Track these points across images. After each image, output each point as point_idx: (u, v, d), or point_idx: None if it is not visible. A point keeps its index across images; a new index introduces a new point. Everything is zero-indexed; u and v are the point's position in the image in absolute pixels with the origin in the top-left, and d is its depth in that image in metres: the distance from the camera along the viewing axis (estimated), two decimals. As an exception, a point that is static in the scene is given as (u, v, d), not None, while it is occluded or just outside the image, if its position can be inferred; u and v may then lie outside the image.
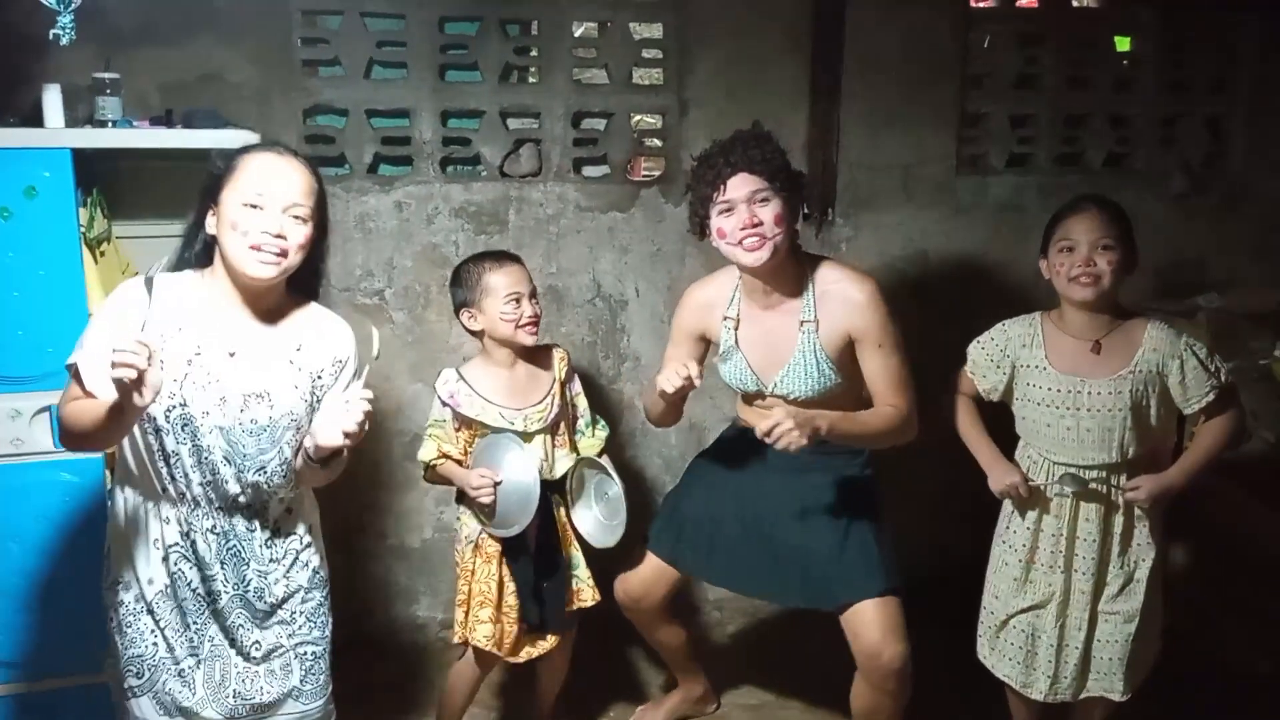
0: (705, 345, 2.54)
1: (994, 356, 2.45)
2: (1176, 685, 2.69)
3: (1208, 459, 2.35)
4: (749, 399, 2.52)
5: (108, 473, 2.29)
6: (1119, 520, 2.35)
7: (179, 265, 1.96)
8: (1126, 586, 2.36)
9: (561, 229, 3.22)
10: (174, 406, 1.85)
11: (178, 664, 1.95)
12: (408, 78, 3.06)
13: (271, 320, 1.96)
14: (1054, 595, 2.38)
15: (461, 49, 3.10)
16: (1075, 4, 3.70)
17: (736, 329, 2.46)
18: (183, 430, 1.86)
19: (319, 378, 1.98)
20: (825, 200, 3.34)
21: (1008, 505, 2.47)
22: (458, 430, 2.52)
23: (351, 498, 3.20)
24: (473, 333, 2.56)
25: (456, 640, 2.55)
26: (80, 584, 2.15)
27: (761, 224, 2.27)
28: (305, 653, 2.05)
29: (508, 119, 3.17)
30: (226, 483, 1.91)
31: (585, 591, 2.63)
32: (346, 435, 1.83)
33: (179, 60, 2.83)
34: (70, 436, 1.85)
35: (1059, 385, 2.34)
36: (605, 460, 2.58)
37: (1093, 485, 2.33)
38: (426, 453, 2.51)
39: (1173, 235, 3.51)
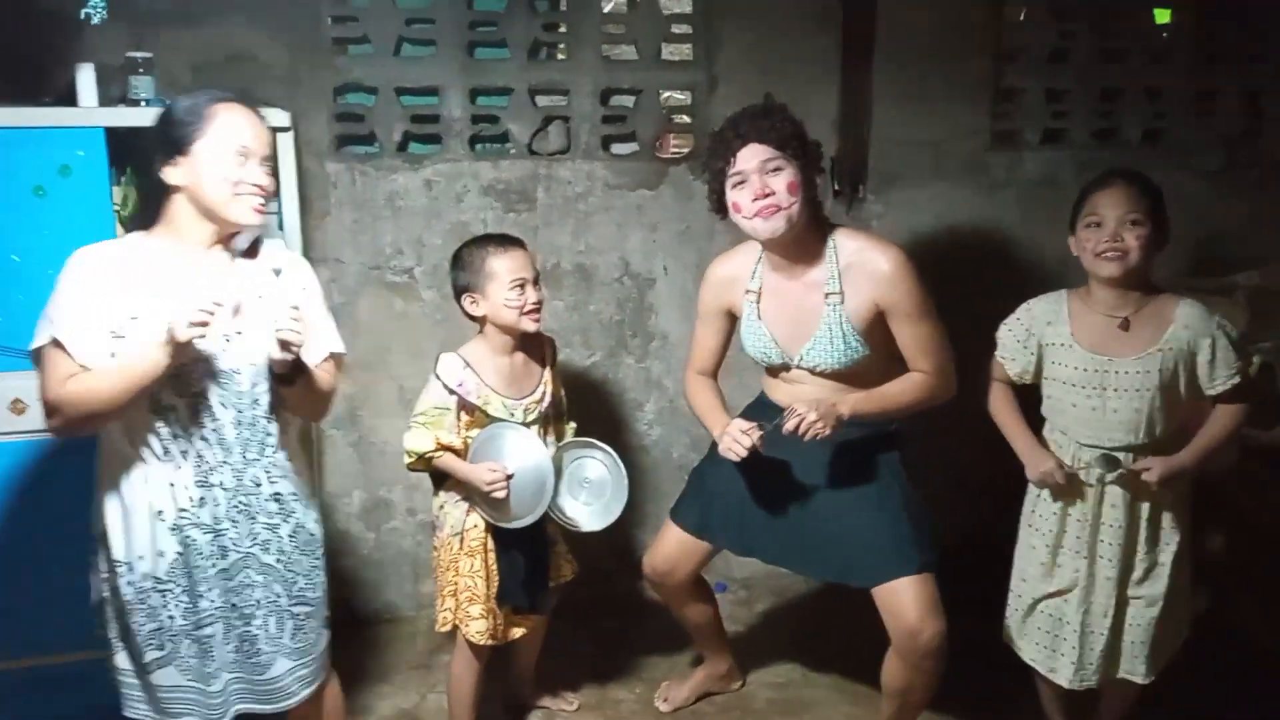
0: (732, 321, 2.53)
1: (1020, 337, 2.41)
2: (1204, 669, 2.68)
3: (1219, 443, 2.31)
4: (774, 372, 2.51)
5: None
6: (1145, 507, 2.32)
7: (144, 224, 1.99)
8: (1151, 571, 2.34)
9: (590, 207, 3.22)
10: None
11: (196, 630, 1.99)
12: (437, 55, 3.06)
13: (233, 263, 2.01)
14: (1079, 581, 2.36)
15: (490, 26, 3.09)
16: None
17: (759, 302, 2.45)
18: (178, 381, 1.90)
19: (294, 305, 1.99)
20: (856, 177, 3.31)
21: (1033, 489, 2.45)
22: (458, 419, 2.44)
23: (380, 475, 3.23)
24: (473, 318, 2.49)
25: (443, 629, 2.53)
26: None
27: (774, 193, 2.26)
28: (298, 612, 2.08)
29: (536, 96, 3.17)
30: (226, 427, 1.95)
31: (565, 567, 2.64)
32: (284, 344, 1.88)
33: (210, 40, 2.85)
34: (74, 419, 1.85)
35: (1085, 363, 2.31)
36: (586, 440, 2.57)
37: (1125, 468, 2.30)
38: (420, 441, 2.39)
39: (1209, 211, 3.46)
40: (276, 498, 2.05)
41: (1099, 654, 2.37)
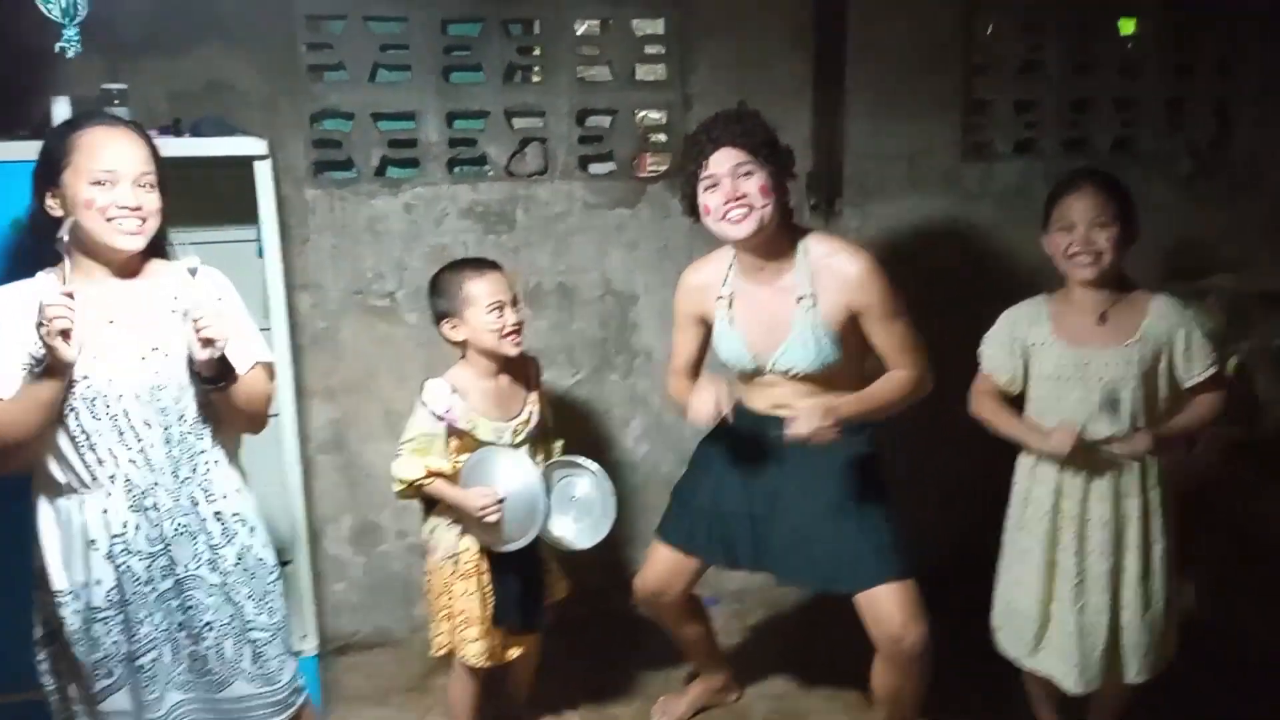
0: (707, 328, 2.54)
1: (1004, 344, 2.45)
2: (1201, 671, 2.70)
3: (1194, 426, 2.37)
4: (747, 378, 2.52)
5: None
6: (1131, 504, 2.34)
7: (45, 257, 1.96)
8: (1142, 572, 2.35)
9: (569, 227, 3.23)
10: (77, 381, 1.87)
11: (138, 657, 1.98)
12: (412, 80, 3.08)
13: (139, 280, 2.00)
14: (1072, 580, 2.38)
15: (465, 50, 3.11)
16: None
17: (731, 307, 2.47)
18: (95, 405, 1.90)
19: (219, 299, 2.02)
20: (832, 191, 3.34)
21: (1019, 494, 2.46)
22: (448, 444, 2.43)
23: (369, 499, 3.23)
24: (454, 343, 2.49)
25: (439, 654, 2.53)
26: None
27: (745, 195, 2.29)
28: (255, 638, 2.07)
29: (513, 118, 3.18)
30: (154, 447, 1.94)
31: (558, 585, 2.64)
32: (207, 341, 1.87)
33: (186, 69, 2.85)
34: None
35: (1067, 358, 2.34)
36: (576, 458, 2.56)
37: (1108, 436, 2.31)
38: (409, 469, 2.39)
39: (1181, 218, 3.51)
40: (218, 516, 2.03)
41: (1099, 655, 2.37)
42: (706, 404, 2.28)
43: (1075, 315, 2.37)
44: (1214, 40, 3.57)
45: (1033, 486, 2.42)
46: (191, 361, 1.94)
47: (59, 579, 1.95)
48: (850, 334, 2.39)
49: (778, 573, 2.61)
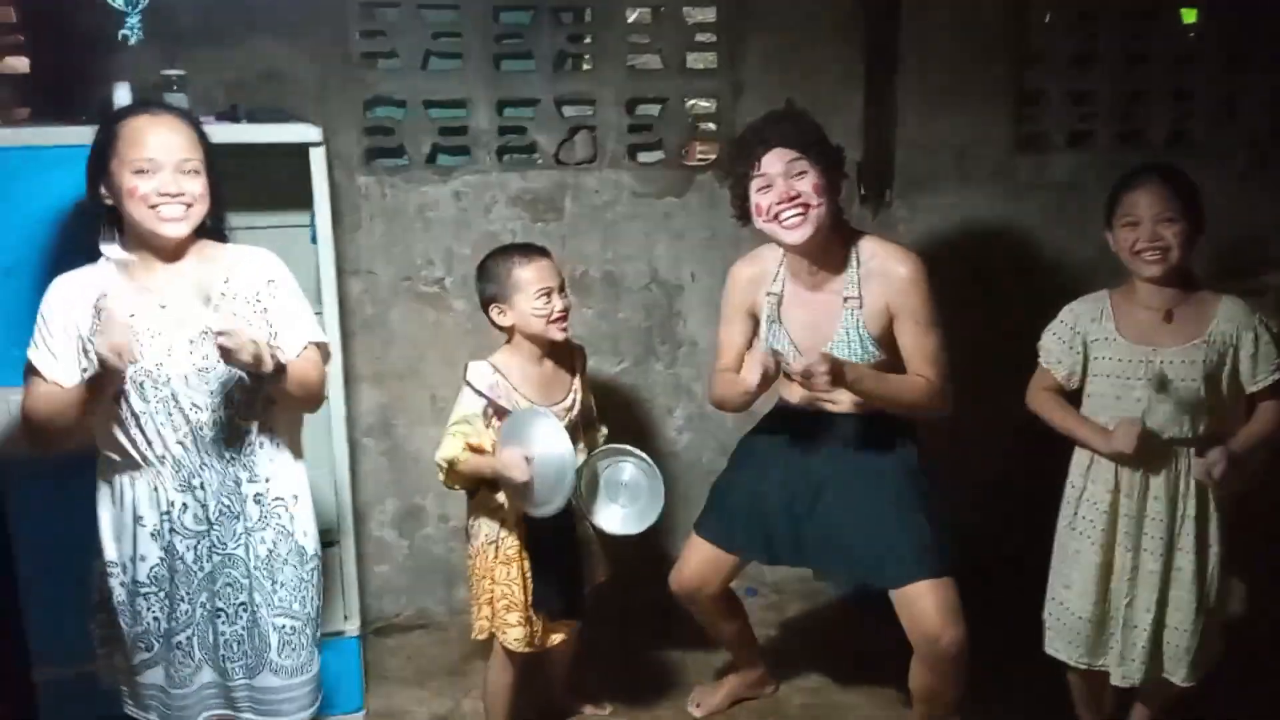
0: (756, 322, 2.54)
1: (1065, 337, 2.40)
2: (1247, 675, 2.66)
3: (1264, 437, 2.30)
4: (789, 376, 2.51)
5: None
6: (1191, 504, 2.30)
7: (108, 239, 2.00)
8: (1195, 573, 2.31)
9: (617, 215, 3.24)
10: (130, 365, 1.90)
11: (176, 634, 2.02)
12: (464, 68, 3.10)
13: (189, 263, 2.02)
14: (1125, 575, 2.35)
15: (516, 38, 3.13)
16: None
17: (780, 306, 2.46)
18: (144, 388, 1.93)
19: (257, 299, 2.03)
20: (882, 181, 3.32)
21: (1073, 494, 2.42)
22: (488, 426, 2.42)
23: (413, 483, 3.27)
24: (500, 328, 2.49)
25: (480, 637, 2.55)
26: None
27: (799, 195, 2.28)
28: (283, 625, 2.09)
29: (563, 107, 3.20)
30: (202, 429, 1.97)
31: (598, 569, 2.64)
32: (225, 354, 1.85)
33: (241, 58, 2.90)
34: (41, 433, 1.94)
35: (1131, 355, 2.29)
36: (620, 446, 2.54)
37: (1169, 438, 2.26)
38: (450, 449, 2.38)
39: (1237, 212, 3.42)
40: (258, 499, 2.05)
41: (1141, 649, 2.34)
42: (755, 367, 2.24)
43: (1140, 312, 2.32)
44: (1272, 30, 3.49)
45: (1088, 485, 2.39)
46: None
47: (109, 550, 2.02)
48: (889, 337, 2.38)
49: (817, 566, 2.61)
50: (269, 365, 1.89)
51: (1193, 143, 3.51)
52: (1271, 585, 3.06)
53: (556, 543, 2.49)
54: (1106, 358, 2.34)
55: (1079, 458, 2.43)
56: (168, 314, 1.97)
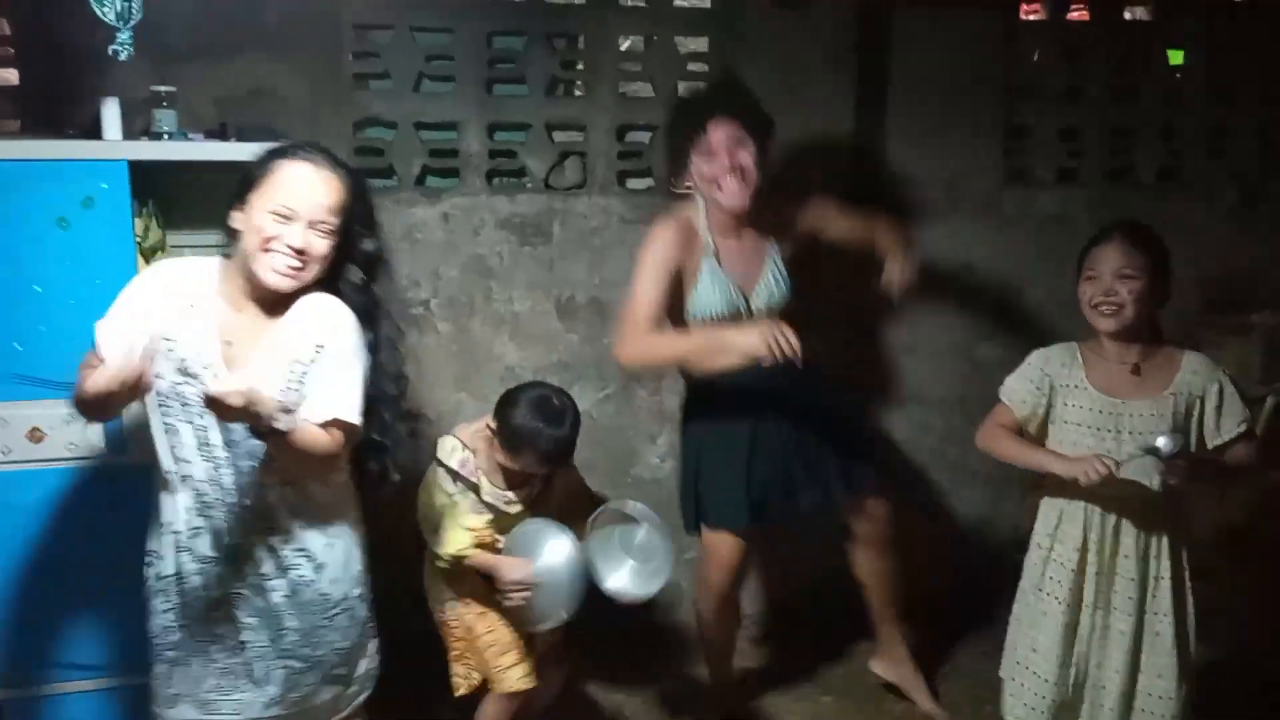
0: (678, 282, 2.58)
1: (1033, 379, 2.35)
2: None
3: (1232, 463, 2.27)
4: (726, 325, 2.58)
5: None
6: (1165, 564, 2.26)
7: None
8: (1177, 636, 2.26)
9: (605, 241, 3.24)
10: (177, 382, 1.88)
11: (180, 645, 1.99)
12: (456, 91, 3.10)
13: (275, 314, 1.96)
14: (1095, 635, 2.30)
15: (509, 63, 3.14)
16: (1127, 16, 3.65)
17: (716, 254, 2.60)
18: (182, 408, 1.91)
19: (298, 362, 1.93)
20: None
21: (1039, 552, 2.37)
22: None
23: (390, 508, 3.23)
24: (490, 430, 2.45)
25: (461, 693, 2.50)
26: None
27: (745, 167, 2.48)
28: (289, 665, 2.01)
29: (553, 132, 3.20)
30: (223, 468, 1.93)
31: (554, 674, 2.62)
32: (209, 405, 1.74)
33: (232, 75, 2.89)
34: (77, 400, 1.90)
35: (1099, 405, 2.27)
36: (622, 504, 2.47)
37: (1140, 502, 2.25)
38: (457, 543, 2.36)
39: (1225, 249, 3.46)
40: (272, 551, 1.97)
41: (1110, 711, 2.29)
42: (755, 335, 2.30)
43: (1108, 363, 2.30)
44: (1259, 69, 3.52)
45: (1055, 546, 2.33)
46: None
47: (151, 537, 2.02)
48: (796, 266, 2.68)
49: (807, 501, 2.70)
50: (266, 424, 1.79)
51: (1180, 179, 3.53)
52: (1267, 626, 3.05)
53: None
54: (1075, 405, 2.30)
55: (1045, 517, 2.37)
56: (228, 351, 1.93)
